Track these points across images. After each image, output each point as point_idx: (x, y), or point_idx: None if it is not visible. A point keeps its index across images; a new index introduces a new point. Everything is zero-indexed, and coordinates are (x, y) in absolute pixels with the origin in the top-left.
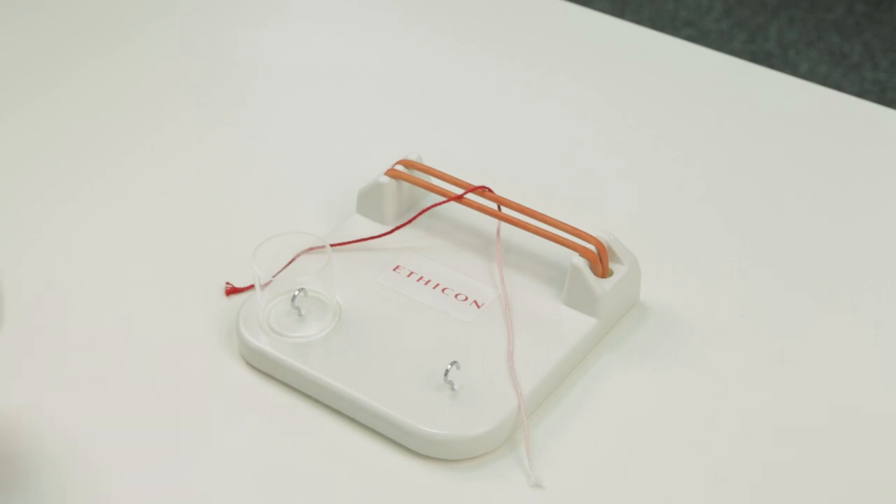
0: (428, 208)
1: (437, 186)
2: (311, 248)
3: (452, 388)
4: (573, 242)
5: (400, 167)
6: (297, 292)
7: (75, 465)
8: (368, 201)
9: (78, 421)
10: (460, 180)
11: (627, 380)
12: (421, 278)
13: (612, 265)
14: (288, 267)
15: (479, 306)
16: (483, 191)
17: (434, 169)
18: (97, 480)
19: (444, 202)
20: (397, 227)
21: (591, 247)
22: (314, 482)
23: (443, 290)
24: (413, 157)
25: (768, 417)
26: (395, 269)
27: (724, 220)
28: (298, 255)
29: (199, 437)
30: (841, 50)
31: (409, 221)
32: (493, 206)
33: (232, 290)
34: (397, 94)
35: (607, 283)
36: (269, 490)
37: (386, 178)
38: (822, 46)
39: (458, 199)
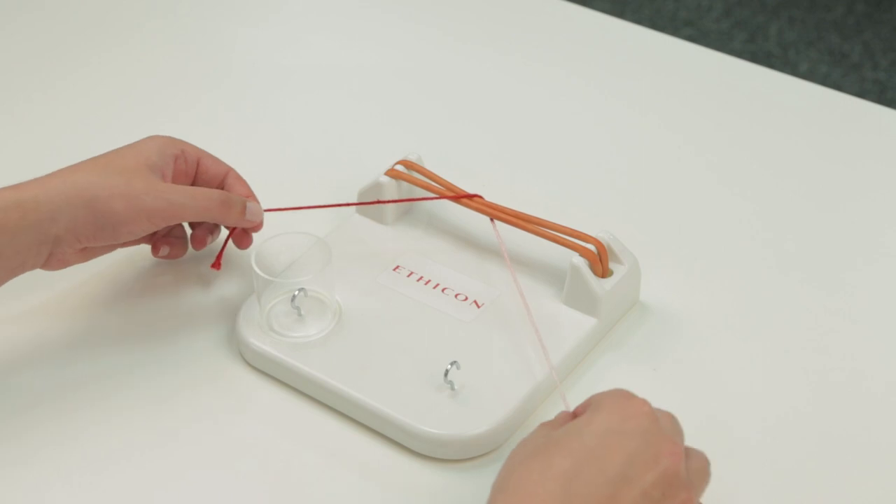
0: (421, 199)
1: (436, 187)
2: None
3: (452, 388)
4: (573, 242)
5: (400, 167)
6: (297, 292)
7: (74, 464)
8: (368, 201)
9: (77, 419)
10: (458, 187)
11: (627, 380)
12: (421, 278)
13: (612, 265)
14: (288, 267)
15: (479, 306)
16: (477, 198)
17: (433, 173)
18: (96, 479)
19: (435, 197)
20: (378, 202)
21: (591, 247)
22: (314, 482)
23: (443, 290)
24: (413, 158)
25: (769, 417)
26: (395, 269)
27: (724, 220)
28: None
29: (199, 436)
30: (841, 50)
31: (398, 201)
32: (493, 206)
33: (215, 264)
34: (397, 94)
35: (607, 283)
36: (268, 489)
37: (386, 178)
38: (822, 46)
39: (456, 199)
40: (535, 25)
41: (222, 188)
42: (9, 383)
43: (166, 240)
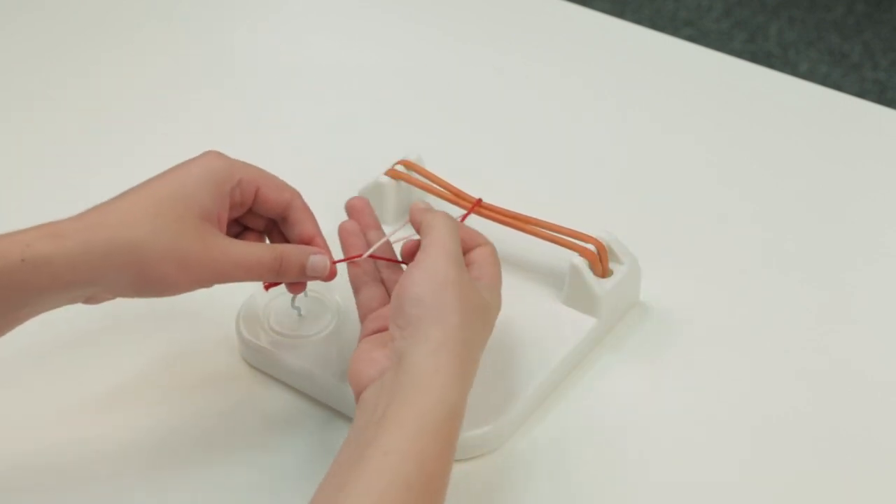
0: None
1: (436, 188)
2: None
3: None
4: (573, 243)
5: (400, 167)
6: None
7: (74, 464)
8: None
9: (77, 420)
10: (459, 189)
11: (627, 380)
12: None
13: (612, 265)
14: None
15: None
16: (477, 203)
17: (433, 174)
18: (96, 479)
19: (438, 190)
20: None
21: (591, 247)
22: (314, 482)
23: None
24: (413, 158)
25: (768, 417)
26: None
27: (724, 219)
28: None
29: (198, 436)
30: (841, 50)
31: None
32: (492, 209)
33: (270, 285)
34: (397, 93)
35: (607, 283)
36: (268, 489)
37: (386, 178)
38: (822, 46)
39: (455, 197)
40: (535, 25)
41: (284, 219)
42: (6, 382)
43: None
